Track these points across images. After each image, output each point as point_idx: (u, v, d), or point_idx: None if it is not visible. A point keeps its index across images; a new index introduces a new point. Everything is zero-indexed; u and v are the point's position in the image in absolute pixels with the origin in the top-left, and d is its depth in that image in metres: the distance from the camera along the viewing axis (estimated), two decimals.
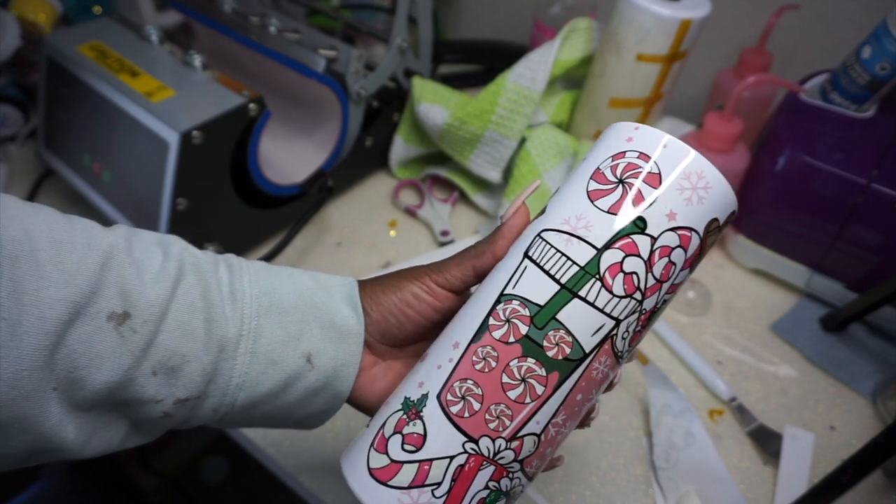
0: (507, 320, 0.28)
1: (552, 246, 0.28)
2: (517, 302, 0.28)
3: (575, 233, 0.28)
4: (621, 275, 0.27)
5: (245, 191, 0.59)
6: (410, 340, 0.34)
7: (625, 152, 0.29)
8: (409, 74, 0.70)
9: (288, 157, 0.67)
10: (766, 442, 0.50)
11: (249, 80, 0.68)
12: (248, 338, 0.29)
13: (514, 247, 0.30)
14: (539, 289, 0.28)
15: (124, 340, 0.26)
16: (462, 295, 0.33)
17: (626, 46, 0.59)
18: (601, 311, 0.28)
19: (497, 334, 0.28)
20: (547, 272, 0.28)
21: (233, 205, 0.59)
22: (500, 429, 0.28)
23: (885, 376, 0.55)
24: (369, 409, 0.33)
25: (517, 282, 0.28)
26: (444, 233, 0.66)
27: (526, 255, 0.29)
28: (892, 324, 0.57)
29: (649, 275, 0.28)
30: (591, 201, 0.28)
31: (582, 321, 0.27)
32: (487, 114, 0.63)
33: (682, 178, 0.28)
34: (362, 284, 0.33)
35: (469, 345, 0.28)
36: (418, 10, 0.67)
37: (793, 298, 0.63)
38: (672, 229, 0.28)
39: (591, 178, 0.29)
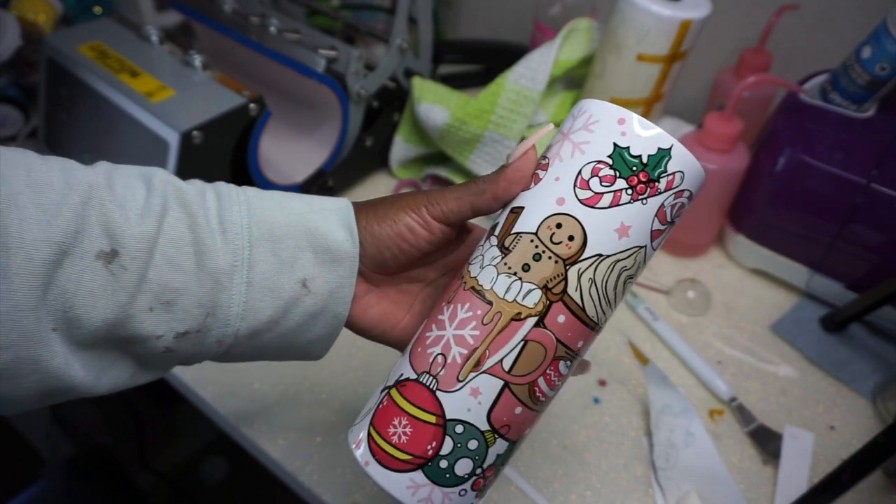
0: None
1: None
2: None
3: None
4: None
5: None
6: (403, 269, 0.34)
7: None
8: (409, 74, 0.70)
9: (288, 157, 0.67)
10: (766, 442, 0.50)
11: (249, 80, 0.68)
12: (242, 268, 0.30)
13: None
14: None
15: (116, 278, 0.27)
16: (455, 227, 0.33)
17: (627, 46, 0.59)
18: None
19: None
20: None
21: None
22: None
23: (885, 376, 0.55)
24: (364, 334, 0.35)
25: None
26: None
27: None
28: (892, 324, 0.57)
29: None
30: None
31: None
32: (487, 114, 0.64)
33: None
34: (357, 208, 0.33)
35: None
36: (418, 10, 0.67)
37: (793, 298, 0.63)
38: None
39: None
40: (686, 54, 0.60)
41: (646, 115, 0.64)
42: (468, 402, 0.29)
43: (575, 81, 0.72)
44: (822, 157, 0.55)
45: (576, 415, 0.52)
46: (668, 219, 0.29)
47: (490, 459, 0.29)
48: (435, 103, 0.66)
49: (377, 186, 0.72)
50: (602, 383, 0.54)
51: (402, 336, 0.35)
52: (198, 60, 0.58)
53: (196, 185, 0.31)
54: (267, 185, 0.60)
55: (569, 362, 0.30)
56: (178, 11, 0.73)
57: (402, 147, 0.71)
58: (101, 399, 1.03)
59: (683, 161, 0.28)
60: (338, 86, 0.62)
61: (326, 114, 0.66)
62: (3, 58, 0.66)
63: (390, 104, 0.70)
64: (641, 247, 0.29)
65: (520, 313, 0.28)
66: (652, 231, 0.29)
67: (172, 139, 0.51)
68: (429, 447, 0.29)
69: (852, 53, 0.56)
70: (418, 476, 0.29)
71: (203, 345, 0.30)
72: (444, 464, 0.29)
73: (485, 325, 0.29)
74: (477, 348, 0.29)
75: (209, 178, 0.55)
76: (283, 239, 0.31)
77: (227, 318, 0.30)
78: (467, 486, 0.29)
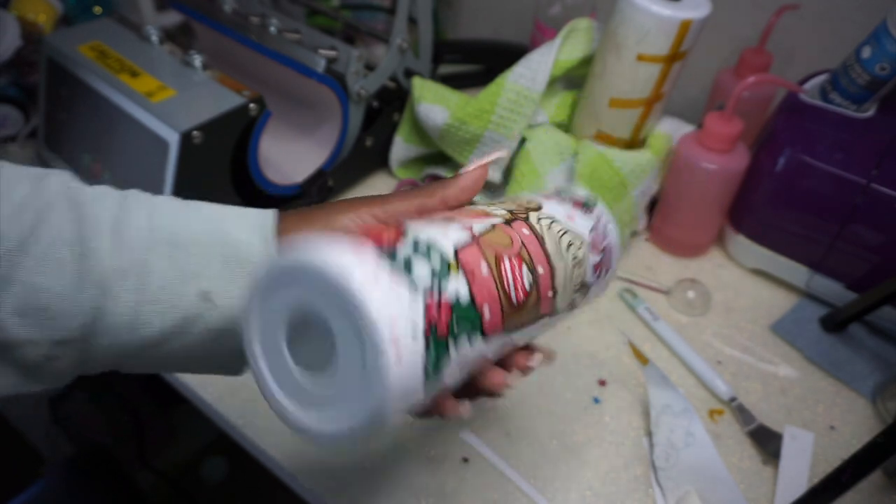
0: None
1: None
2: None
3: None
4: None
5: (245, 190, 0.59)
6: None
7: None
8: (409, 74, 0.70)
9: (288, 157, 0.67)
10: (766, 442, 0.50)
11: (249, 80, 0.68)
12: (133, 274, 0.27)
13: None
14: None
15: None
16: None
17: (626, 46, 0.59)
18: None
19: None
20: None
21: (233, 204, 0.59)
22: None
23: (885, 376, 0.55)
24: None
25: None
26: None
27: None
28: (892, 324, 0.57)
29: None
30: None
31: None
32: (487, 114, 0.63)
33: None
34: (288, 215, 0.31)
35: None
36: (418, 10, 0.67)
37: (793, 298, 0.63)
38: None
39: None
40: (686, 54, 0.60)
41: (646, 115, 0.64)
42: (435, 231, 0.27)
43: (575, 81, 0.72)
44: (822, 157, 0.55)
45: (576, 415, 0.52)
46: (600, 244, 0.34)
47: (449, 290, 0.25)
48: (435, 103, 0.66)
49: (377, 186, 0.72)
50: (602, 383, 0.54)
51: None
52: (198, 60, 0.58)
53: (101, 188, 0.29)
54: (267, 185, 0.60)
55: (531, 277, 0.29)
56: (178, 11, 0.73)
57: (402, 147, 0.71)
58: (101, 399, 1.03)
59: (606, 213, 0.36)
60: (338, 86, 0.62)
61: (326, 114, 0.66)
62: (3, 58, 0.66)
63: (390, 104, 0.70)
64: (583, 241, 0.33)
65: (488, 214, 0.31)
66: (591, 241, 0.34)
67: (172, 139, 0.51)
68: (385, 239, 0.26)
69: (852, 53, 0.56)
70: (367, 253, 0.24)
71: (91, 352, 0.27)
72: (400, 252, 0.25)
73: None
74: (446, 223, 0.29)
75: (209, 178, 0.55)
76: (188, 246, 0.28)
77: (113, 327, 0.27)
78: (419, 299, 0.24)
